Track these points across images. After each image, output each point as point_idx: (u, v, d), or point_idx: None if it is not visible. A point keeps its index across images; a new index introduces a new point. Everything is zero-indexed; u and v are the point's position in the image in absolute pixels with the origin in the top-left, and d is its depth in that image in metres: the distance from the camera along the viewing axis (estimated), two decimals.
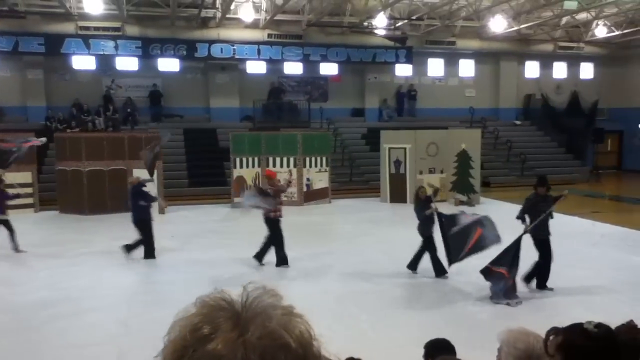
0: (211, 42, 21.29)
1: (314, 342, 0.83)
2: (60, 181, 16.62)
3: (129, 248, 10.68)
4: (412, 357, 3.99)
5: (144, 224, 10.70)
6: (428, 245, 9.27)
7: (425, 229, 9.29)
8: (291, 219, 12.56)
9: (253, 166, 17.79)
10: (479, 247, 8.43)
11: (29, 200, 16.47)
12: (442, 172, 18.12)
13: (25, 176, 16.36)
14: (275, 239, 9.97)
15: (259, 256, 10.08)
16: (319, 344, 0.84)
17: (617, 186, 23.30)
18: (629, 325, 2.59)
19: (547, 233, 8.36)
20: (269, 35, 21.86)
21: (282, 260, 9.99)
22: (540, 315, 7.15)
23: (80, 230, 13.93)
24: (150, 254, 10.75)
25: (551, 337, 2.01)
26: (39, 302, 8.15)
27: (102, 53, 20.58)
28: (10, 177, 16.05)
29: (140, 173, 16.10)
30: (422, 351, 3.57)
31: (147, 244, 10.74)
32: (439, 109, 25.05)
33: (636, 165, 26.57)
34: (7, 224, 11.45)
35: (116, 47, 20.54)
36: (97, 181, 16.13)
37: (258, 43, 21.76)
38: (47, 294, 8.51)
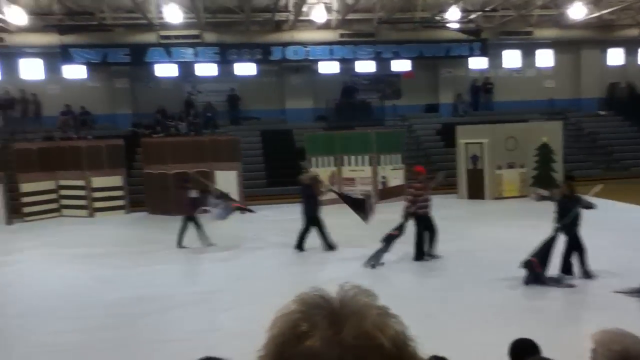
0: (285, 44, 21.76)
1: (410, 343, 0.83)
2: (147, 184, 17.55)
3: (327, 244, 11.34)
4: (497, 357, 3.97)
5: (313, 220, 11.27)
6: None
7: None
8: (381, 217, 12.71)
9: (328, 165, 18.09)
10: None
11: (120, 203, 17.56)
12: (522, 166, 17.70)
13: (115, 180, 17.46)
14: (419, 235, 10.15)
15: (419, 255, 10.19)
16: (414, 345, 0.84)
17: None
18: None
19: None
20: (341, 35, 22.07)
21: (419, 255, 10.17)
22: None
23: (168, 230, 14.64)
24: (330, 247, 11.30)
25: None
26: (132, 298, 8.73)
27: (182, 60, 21.49)
28: (101, 181, 17.21)
29: (224, 175, 16.88)
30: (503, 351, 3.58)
31: (322, 237, 11.34)
32: (516, 102, 24.39)
33: None
34: (195, 221, 12.14)
35: (195, 54, 21.41)
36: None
37: (330, 43, 22.03)
38: (139, 291, 9.10)
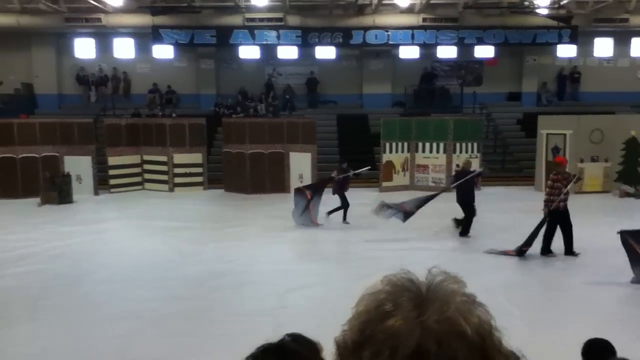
0: (366, 29, 21.71)
1: (495, 333, 0.82)
2: (226, 162, 18.18)
3: (458, 224, 11.70)
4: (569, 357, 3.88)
5: (467, 205, 11.44)
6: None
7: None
8: (439, 205, 12.64)
9: (402, 151, 18.04)
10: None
11: (199, 179, 18.31)
12: (606, 160, 16.95)
13: (196, 157, 18.20)
14: (550, 229, 9.74)
15: (546, 249, 9.81)
16: (500, 336, 0.83)
17: None
18: None
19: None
20: (424, 20, 21.75)
21: (546, 250, 9.82)
22: None
23: (243, 208, 15.21)
24: (465, 231, 11.48)
25: None
26: (207, 273, 9.15)
27: (265, 43, 21.92)
28: (183, 158, 17.97)
29: (298, 156, 17.19)
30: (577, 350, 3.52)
31: (467, 222, 11.48)
32: (605, 93, 23.21)
33: None
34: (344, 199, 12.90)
35: (278, 37, 21.77)
36: (258, 163, 17.43)
37: (412, 28, 21.76)
38: (214, 266, 9.53)
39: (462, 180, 11.43)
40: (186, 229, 12.45)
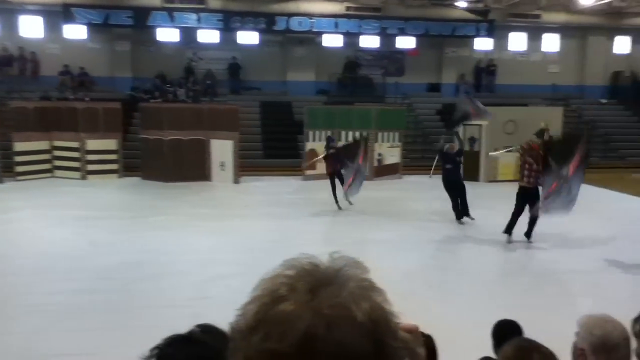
0: (290, 15, 21.45)
1: (391, 319, 0.82)
2: (143, 149, 17.46)
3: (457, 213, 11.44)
4: (478, 337, 3.99)
5: (451, 185, 11.46)
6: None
7: None
8: (361, 194, 12.73)
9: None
10: None
11: (114, 167, 17.50)
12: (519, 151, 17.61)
13: (110, 143, 17.36)
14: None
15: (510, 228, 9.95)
16: (395, 322, 0.82)
17: None
18: None
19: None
20: (347, 8, 21.78)
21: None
22: None
23: (161, 196, 14.66)
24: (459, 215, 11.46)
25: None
26: (124, 263, 8.73)
27: (185, 26, 21.19)
28: (96, 144, 17.11)
29: (220, 144, 16.78)
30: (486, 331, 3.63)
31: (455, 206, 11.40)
32: (519, 85, 24.19)
33: None
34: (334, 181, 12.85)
35: (199, 20, 21.10)
36: (177, 150, 16.85)
37: (336, 16, 21.74)
38: (131, 256, 9.09)
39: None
40: (100, 218, 11.81)
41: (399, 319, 0.82)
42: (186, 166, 16.79)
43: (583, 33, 24.75)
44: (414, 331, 0.89)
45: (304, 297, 0.78)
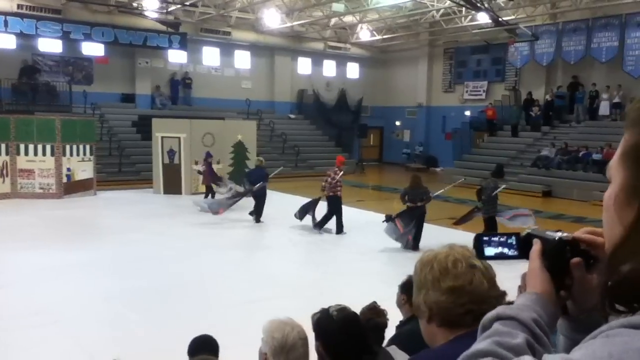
0: None
1: None
2: None
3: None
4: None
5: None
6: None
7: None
8: (48, 214, 10.99)
9: (0, 154, 15.32)
10: None
11: None
12: (218, 162, 17.60)
13: None
14: (337, 212, 11.48)
15: (321, 225, 11.57)
16: None
17: (379, 177, 25.23)
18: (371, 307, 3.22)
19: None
20: (19, 7, 19.06)
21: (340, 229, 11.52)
22: None
23: None
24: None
25: None
26: None
27: None
28: None
29: None
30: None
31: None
32: (215, 99, 24.45)
33: (393, 157, 29.17)
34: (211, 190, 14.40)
35: None
36: None
37: (5, 14, 18.83)
38: None
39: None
40: None
41: None
42: None
43: (271, 52, 26.31)
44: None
45: None
